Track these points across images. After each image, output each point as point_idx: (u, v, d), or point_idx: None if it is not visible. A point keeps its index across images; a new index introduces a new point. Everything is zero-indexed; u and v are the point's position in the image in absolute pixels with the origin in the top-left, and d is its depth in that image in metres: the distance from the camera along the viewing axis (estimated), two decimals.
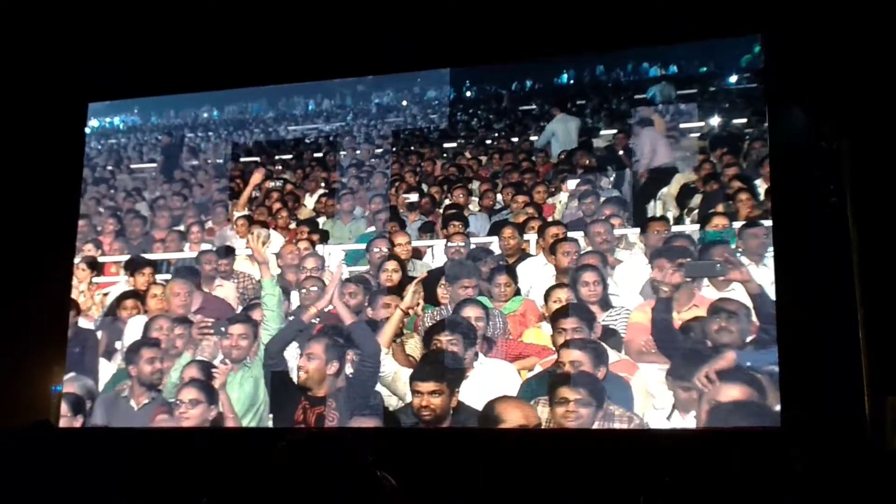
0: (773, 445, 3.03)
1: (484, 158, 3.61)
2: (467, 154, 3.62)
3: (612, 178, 3.43)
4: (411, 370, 3.09)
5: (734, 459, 2.99)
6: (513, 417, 2.87)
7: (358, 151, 3.86)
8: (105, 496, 3.11)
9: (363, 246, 3.54)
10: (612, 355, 2.97)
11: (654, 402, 2.90)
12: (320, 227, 3.65)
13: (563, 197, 3.49)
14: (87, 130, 4.18)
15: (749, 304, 2.88)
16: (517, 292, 3.23)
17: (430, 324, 3.19)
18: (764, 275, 2.95)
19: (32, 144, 4.26)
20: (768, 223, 3.06)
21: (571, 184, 3.49)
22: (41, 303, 4.07)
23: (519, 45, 3.61)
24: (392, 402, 3.15)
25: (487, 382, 3.05)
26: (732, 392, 2.80)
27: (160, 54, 3.98)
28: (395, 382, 3.10)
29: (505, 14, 3.49)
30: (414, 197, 3.67)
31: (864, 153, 3.20)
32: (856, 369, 3.05)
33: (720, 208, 3.11)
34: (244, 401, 3.26)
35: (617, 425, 2.85)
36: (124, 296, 3.64)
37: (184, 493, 3.16)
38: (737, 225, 3.12)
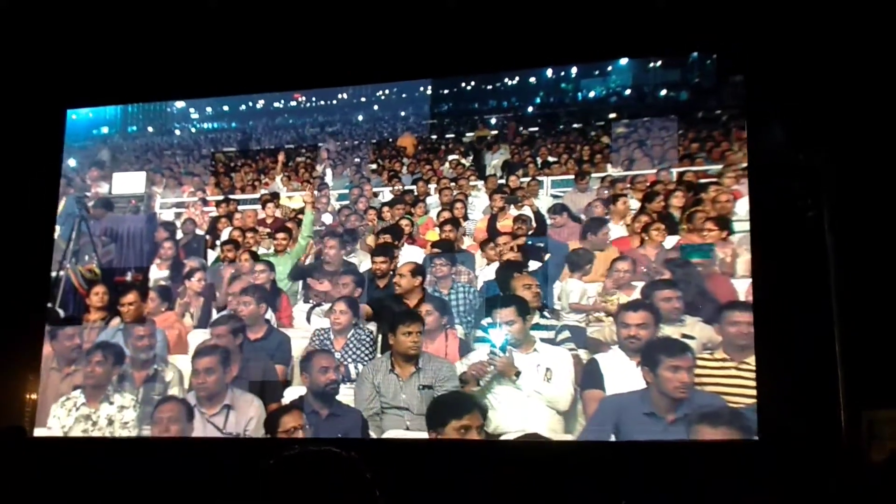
0: (750, 457, 3.04)
1: None
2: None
3: (471, 156, 5.33)
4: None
5: (711, 471, 3.05)
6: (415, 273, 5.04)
7: (346, 141, 5.65)
8: None
9: (348, 191, 5.44)
10: (468, 241, 5.15)
11: (483, 262, 5.09)
12: (325, 179, 5.59)
13: (446, 165, 5.43)
14: (193, 130, 5.98)
15: (532, 217, 5.06)
16: (426, 212, 5.33)
17: (381, 229, 5.30)
18: (537, 203, 5.05)
19: (9, 154, 4.34)
20: (542, 178, 5.46)
21: (452, 159, 5.42)
22: (17, 308, 4.26)
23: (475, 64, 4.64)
24: (363, 268, 5.21)
25: (408, 257, 5.10)
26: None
27: (142, 62, 4.39)
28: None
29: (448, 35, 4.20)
30: (373, 166, 5.49)
31: (842, 167, 3.18)
32: (832, 383, 3.08)
33: (520, 173, 5.13)
34: (284, 272, 5.32)
35: (464, 279, 5.59)
36: (219, 218, 5.64)
37: None
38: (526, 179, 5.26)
